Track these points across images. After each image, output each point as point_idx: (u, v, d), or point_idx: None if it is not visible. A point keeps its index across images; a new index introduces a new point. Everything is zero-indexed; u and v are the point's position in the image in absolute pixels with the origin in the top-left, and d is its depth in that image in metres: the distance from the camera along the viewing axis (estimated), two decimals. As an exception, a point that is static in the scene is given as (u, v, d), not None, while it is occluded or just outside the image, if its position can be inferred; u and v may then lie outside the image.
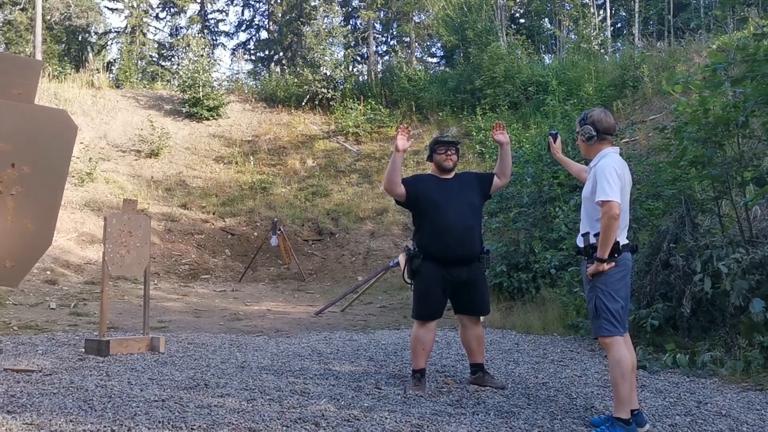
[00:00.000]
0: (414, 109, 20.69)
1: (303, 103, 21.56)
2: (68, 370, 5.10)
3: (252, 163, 18.78)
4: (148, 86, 23.26)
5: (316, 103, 21.57)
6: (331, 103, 21.47)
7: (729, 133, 6.33)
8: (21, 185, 2.18)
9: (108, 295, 6.47)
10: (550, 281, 9.33)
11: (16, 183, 2.17)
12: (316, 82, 21.54)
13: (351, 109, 20.64)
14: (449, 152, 4.87)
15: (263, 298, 12.08)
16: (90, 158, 17.29)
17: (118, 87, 22.44)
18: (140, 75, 26.34)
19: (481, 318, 9.52)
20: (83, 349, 6.31)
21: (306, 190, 17.63)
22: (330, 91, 21.58)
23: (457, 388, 4.65)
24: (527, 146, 15.71)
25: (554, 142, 4.46)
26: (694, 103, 6.58)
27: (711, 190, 6.71)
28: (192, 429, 3.45)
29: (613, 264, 3.61)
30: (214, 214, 16.46)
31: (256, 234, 15.88)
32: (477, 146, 17.96)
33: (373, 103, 20.81)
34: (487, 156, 17.34)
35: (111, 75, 23.99)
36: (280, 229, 14.21)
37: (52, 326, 8.19)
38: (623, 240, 3.72)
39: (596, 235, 3.67)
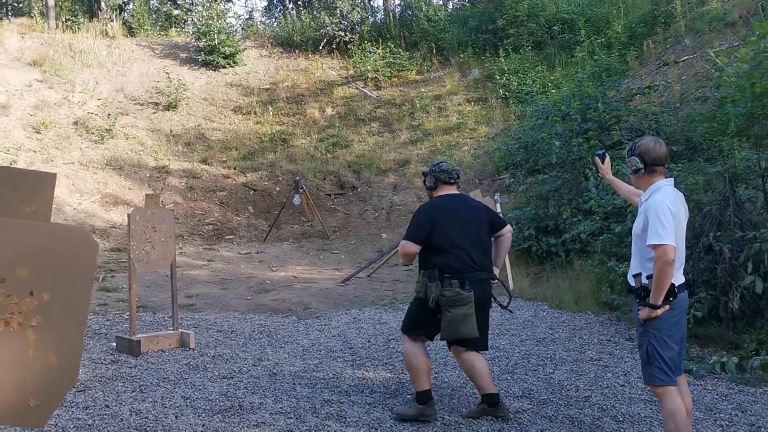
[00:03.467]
0: (434, 51, 20.05)
1: (320, 47, 20.98)
2: (102, 382, 5.06)
3: (271, 113, 18.43)
4: (162, 33, 22.72)
5: (334, 46, 20.96)
6: (348, 46, 20.86)
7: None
8: (41, 315, 2.01)
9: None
10: (581, 247, 9.13)
11: (36, 313, 2.01)
12: (333, 25, 20.89)
13: (369, 52, 20.06)
14: None
15: (288, 260, 12.03)
16: (108, 114, 17.09)
17: (132, 35, 21.95)
18: (154, 18, 25.68)
19: (511, 286, 9.41)
20: (114, 344, 6.30)
21: (326, 141, 17.32)
22: (347, 33, 20.94)
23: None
24: (553, 92, 15.28)
25: (602, 162, 4.13)
26: (740, 72, 6.20)
27: (757, 168, 6.39)
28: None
29: (667, 308, 3.39)
30: (235, 169, 16.28)
31: (278, 189, 15.73)
32: (500, 90, 17.44)
33: (392, 46, 20.20)
34: (510, 102, 16.89)
35: (124, 20, 23.36)
36: (302, 187, 14.04)
37: (81, 307, 8.19)
38: (679, 280, 3.49)
39: (648, 277, 3.43)
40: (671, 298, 3.38)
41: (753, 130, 6.03)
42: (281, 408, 4.45)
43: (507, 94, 17.21)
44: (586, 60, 14.94)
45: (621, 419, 4.23)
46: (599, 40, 16.79)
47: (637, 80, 14.47)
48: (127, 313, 7.63)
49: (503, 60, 18.01)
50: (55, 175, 2.05)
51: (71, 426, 4.09)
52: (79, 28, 20.92)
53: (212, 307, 8.39)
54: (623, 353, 5.78)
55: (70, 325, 2.00)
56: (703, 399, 4.58)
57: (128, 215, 6.19)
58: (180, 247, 12.67)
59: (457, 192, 4.59)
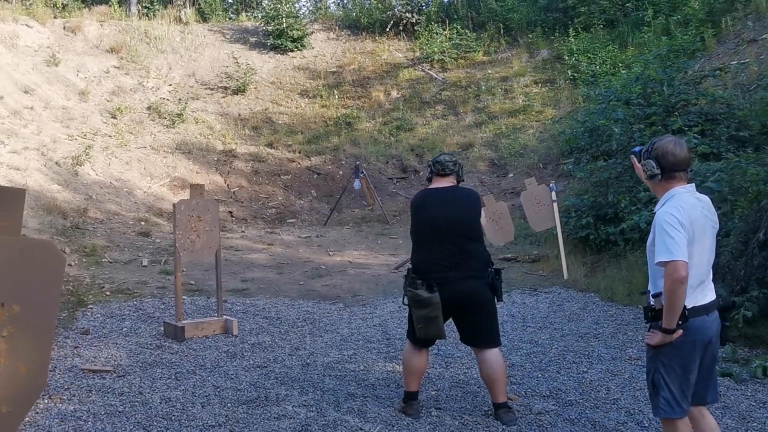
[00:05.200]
0: (502, 31, 19.64)
1: (387, 29, 20.90)
2: (142, 368, 5.26)
3: (336, 96, 18.55)
4: (233, 18, 23.14)
5: (401, 28, 20.85)
6: (415, 28, 20.71)
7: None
8: (12, 326, 2.10)
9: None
10: (640, 236, 8.82)
11: (6, 324, 2.10)
12: (400, 6, 20.77)
13: (436, 34, 19.86)
14: None
15: (347, 244, 12.13)
16: (179, 99, 17.57)
17: (204, 21, 22.46)
18: (228, 2, 26.16)
19: (565, 276, 9.21)
20: (162, 328, 6.53)
21: (390, 125, 17.30)
22: (414, 14, 20.79)
23: (520, 409, 4.46)
24: (622, 73, 14.72)
25: (639, 161, 3.80)
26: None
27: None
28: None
29: (679, 332, 3.05)
30: (300, 153, 16.49)
31: (341, 173, 15.85)
32: (569, 71, 16.95)
33: (459, 27, 19.91)
34: (579, 82, 16.39)
35: (198, 6, 23.87)
36: (362, 172, 14.10)
37: (141, 289, 8.52)
38: (697, 301, 3.13)
39: (655, 295, 3.14)
40: (680, 321, 3.05)
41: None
42: (305, 401, 4.52)
43: (575, 75, 16.72)
44: (652, 41, 14.31)
45: (647, 425, 4.08)
46: (675, 17, 16.05)
47: (714, 59, 13.78)
48: (183, 297, 7.91)
49: (573, 39, 17.49)
50: (24, 191, 2.13)
51: (102, 412, 4.28)
52: (154, 15, 21.56)
53: (265, 292, 8.57)
54: (665, 353, 5.57)
55: (38, 335, 2.09)
56: (738, 406, 4.37)
57: (174, 206, 6.39)
58: (243, 231, 13.00)
59: (451, 185, 4.42)
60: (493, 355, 4.20)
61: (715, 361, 3.30)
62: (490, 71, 18.49)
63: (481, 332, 4.24)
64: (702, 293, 3.18)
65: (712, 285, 3.26)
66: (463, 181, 4.61)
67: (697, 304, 3.13)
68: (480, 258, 4.26)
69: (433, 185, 4.47)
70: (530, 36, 19.10)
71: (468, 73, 18.75)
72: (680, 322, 3.07)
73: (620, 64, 15.86)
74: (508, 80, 18.04)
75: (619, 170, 9.81)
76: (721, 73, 10.92)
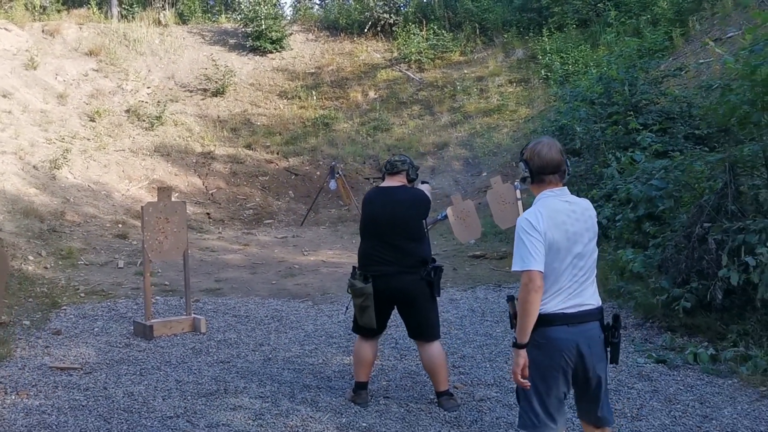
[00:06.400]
0: (478, 31, 19.93)
1: (365, 30, 21.14)
2: (109, 365, 5.47)
3: (315, 97, 18.77)
4: (213, 20, 23.28)
5: (379, 29, 21.09)
6: (393, 28, 20.96)
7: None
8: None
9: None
10: (602, 231, 9.10)
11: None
12: (378, 7, 21.01)
13: (413, 34, 20.12)
14: None
15: (322, 244, 12.35)
16: (158, 101, 17.71)
17: (184, 23, 22.59)
18: (208, 4, 26.26)
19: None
20: (133, 327, 6.74)
21: (367, 125, 17.55)
22: (392, 15, 21.04)
23: (464, 396, 4.72)
24: (594, 71, 15.03)
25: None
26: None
27: (761, 157, 6.28)
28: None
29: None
30: (278, 154, 16.71)
31: (318, 173, 16.07)
32: (542, 71, 17.25)
33: (435, 28, 20.18)
34: (551, 82, 16.69)
35: (176, 9, 23.98)
36: (338, 173, 14.33)
37: (116, 290, 8.69)
38: (558, 309, 2.93)
39: (509, 299, 3.05)
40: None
41: (753, 119, 5.94)
42: (262, 392, 4.76)
43: (549, 74, 17.02)
44: (614, 42, 14.64)
45: (578, 410, 4.35)
46: (645, 17, 16.40)
47: (681, 59, 14.12)
48: (157, 297, 8.14)
49: (546, 39, 17.79)
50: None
51: (67, 406, 4.50)
52: (133, 17, 21.67)
53: (237, 292, 8.78)
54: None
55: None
56: (667, 389, 4.65)
57: (141, 208, 6.59)
58: (219, 232, 13.20)
59: (400, 184, 4.65)
60: (433, 347, 4.46)
61: (599, 379, 3.03)
62: (466, 71, 18.78)
63: (418, 326, 4.50)
64: (563, 299, 2.96)
65: (589, 293, 3.03)
66: (415, 179, 4.84)
67: (555, 311, 2.95)
68: (416, 256, 4.48)
69: (384, 184, 4.73)
70: (506, 36, 19.40)
71: (444, 73, 19.02)
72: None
73: (591, 64, 16.17)
74: (483, 80, 18.32)
75: (582, 168, 10.11)
76: (680, 72, 11.24)
